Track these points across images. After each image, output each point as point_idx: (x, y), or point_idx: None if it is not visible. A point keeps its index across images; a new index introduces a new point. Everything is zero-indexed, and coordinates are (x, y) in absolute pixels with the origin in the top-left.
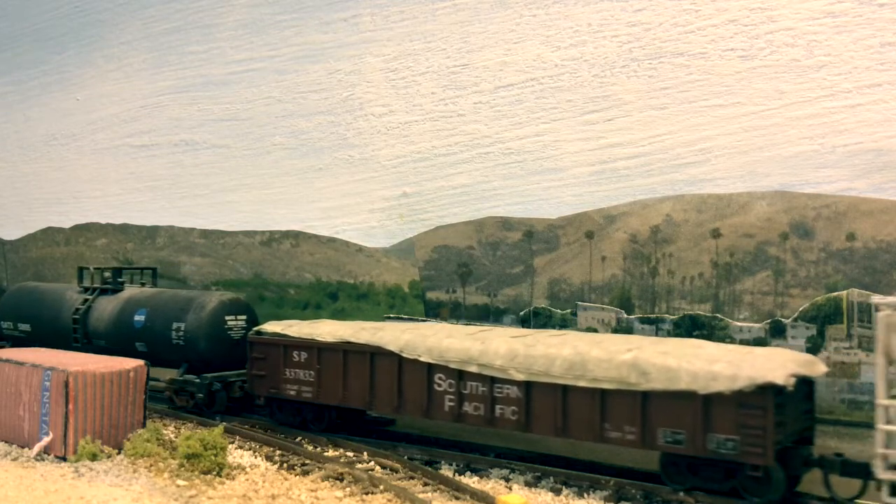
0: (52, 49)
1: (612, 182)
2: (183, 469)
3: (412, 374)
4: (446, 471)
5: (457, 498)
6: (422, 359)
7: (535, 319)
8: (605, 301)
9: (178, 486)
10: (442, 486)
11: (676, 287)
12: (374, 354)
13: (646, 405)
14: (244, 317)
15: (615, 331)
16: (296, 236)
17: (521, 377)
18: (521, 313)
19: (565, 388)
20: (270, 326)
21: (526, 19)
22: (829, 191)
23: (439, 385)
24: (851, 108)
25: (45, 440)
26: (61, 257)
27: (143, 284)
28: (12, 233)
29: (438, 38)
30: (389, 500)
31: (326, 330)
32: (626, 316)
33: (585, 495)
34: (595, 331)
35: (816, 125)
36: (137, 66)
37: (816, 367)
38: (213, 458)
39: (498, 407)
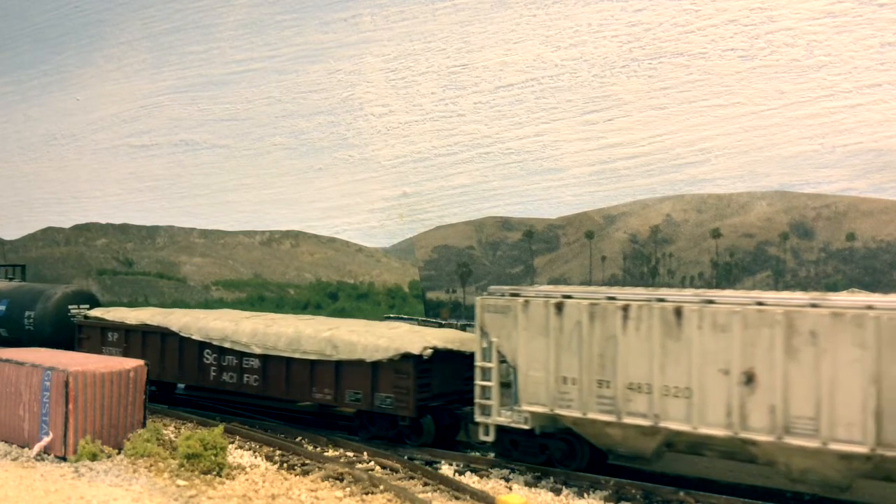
0: (52, 49)
1: (612, 182)
2: (183, 469)
3: (189, 350)
4: (446, 471)
5: (457, 498)
6: (194, 337)
7: None
8: None
9: (178, 486)
10: (442, 486)
11: (677, 287)
12: (163, 334)
13: (338, 372)
14: (87, 306)
15: None
16: (296, 236)
17: (258, 351)
18: None
19: (288, 360)
20: (94, 312)
21: (526, 19)
22: (829, 191)
23: (207, 358)
24: (851, 108)
25: (45, 440)
26: (61, 257)
27: (10, 279)
28: (12, 233)
29: (438, 38)
30: (389, 500)
31: (133, 315)
32: None
33: (585, 495)
34: None
35: (816, 125)
36: (137, 66)
37: (473, 344)
38: (213, 458)
39: (245, 375)
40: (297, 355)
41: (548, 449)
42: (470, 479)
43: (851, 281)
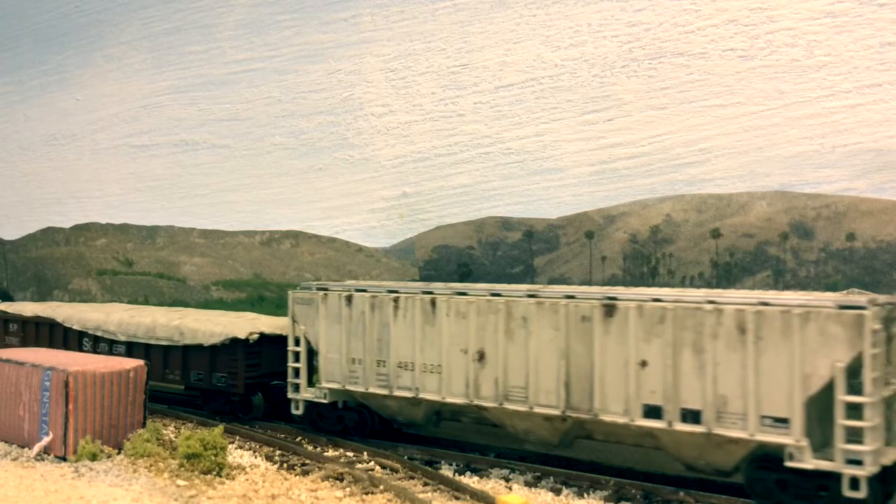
0: (52, 49)
1: (612, 182)
2: (183, 469)
3: (71, 338)
4: (446, 471)
5: (457, 498)
6: (74, 327)
7: None
8: None
9: (178, 486)
10: (442, 486)
11: (676, 287)
12: (52, 325)
13: (185, 355)
14: None
15: None
16: (296, 236)
17: (123, 338)
18: None
19: (147, 346)
20: (0, 306)
21: (526, 19)
22: (829, 191)
23: (86, 346)
24: (851, 108)
25: (45, 440)
26: (61, 257)
27: None
28: (12, 233)
29: (438, 38)
30: (389, 500)
31: (30, 308)
32: None
33: (585, 495)
34: None
35: (816, 125)
36: (137, 66)
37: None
38: (213, 458)
39: None
40: (152, 341)
41: (344, 419)
42: (470, 480)
43: (851, 281)
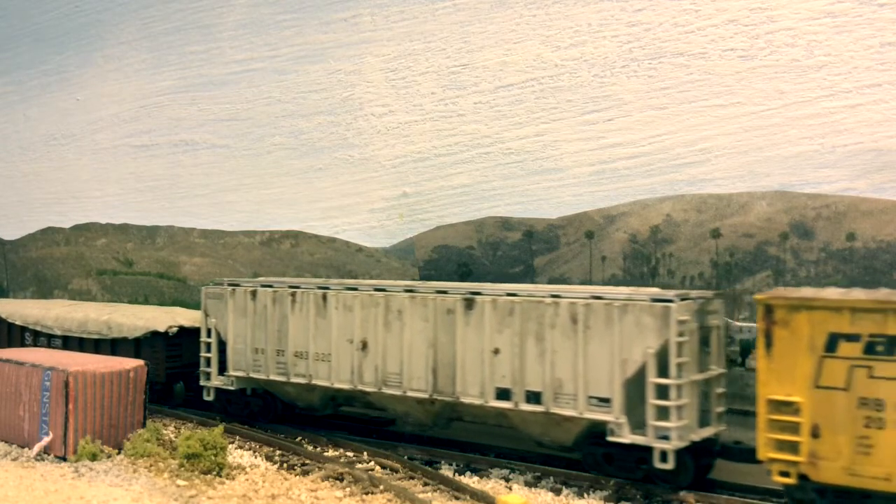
0: (52, 49)
1: (612, 182)
2: (183, 469)
3: (15, 333)
4: (446, 471)
5: (457, 498)
6: (17, 322)
7: None
8: None
9: (178, 486)
10: (442, 486)
11: (676, 287)
12: None
13: (114, 347)
14: None
15: None
16: (296, 236)
17: (59, 332)
18: None
19: (81, 339)
20: None
21: (526, 19)
22: (829, 191)
23: (27, 340)
24: (851, 108)
25: (45, 440)
26: (61, 257)
27: None
28: (12, 233)
29: (438, 38)
30: (389, 500)
31: None
32: None
33: (585, 495)
34: None
35: (816, 125)
36: (137, 66)
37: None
38: (213, 458)
39: None
40: (84, 335)
41: (251, 405)
42: (470, 480)
43: (851, 281)
